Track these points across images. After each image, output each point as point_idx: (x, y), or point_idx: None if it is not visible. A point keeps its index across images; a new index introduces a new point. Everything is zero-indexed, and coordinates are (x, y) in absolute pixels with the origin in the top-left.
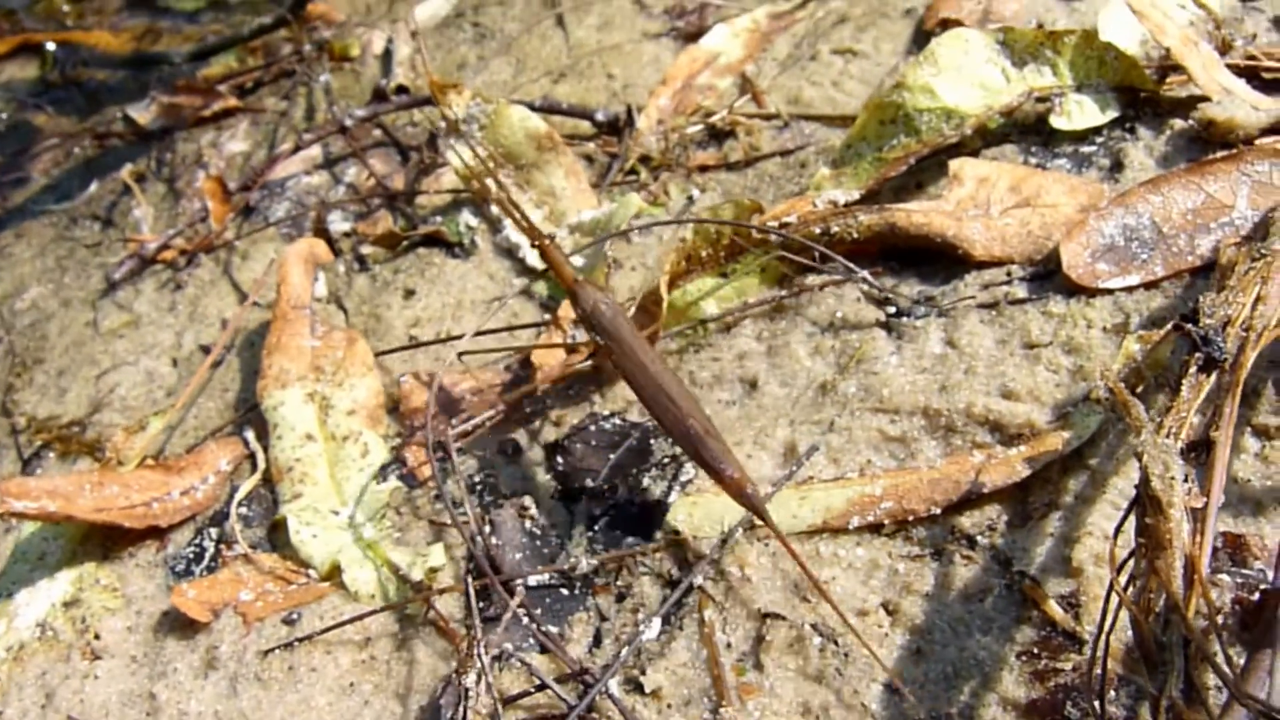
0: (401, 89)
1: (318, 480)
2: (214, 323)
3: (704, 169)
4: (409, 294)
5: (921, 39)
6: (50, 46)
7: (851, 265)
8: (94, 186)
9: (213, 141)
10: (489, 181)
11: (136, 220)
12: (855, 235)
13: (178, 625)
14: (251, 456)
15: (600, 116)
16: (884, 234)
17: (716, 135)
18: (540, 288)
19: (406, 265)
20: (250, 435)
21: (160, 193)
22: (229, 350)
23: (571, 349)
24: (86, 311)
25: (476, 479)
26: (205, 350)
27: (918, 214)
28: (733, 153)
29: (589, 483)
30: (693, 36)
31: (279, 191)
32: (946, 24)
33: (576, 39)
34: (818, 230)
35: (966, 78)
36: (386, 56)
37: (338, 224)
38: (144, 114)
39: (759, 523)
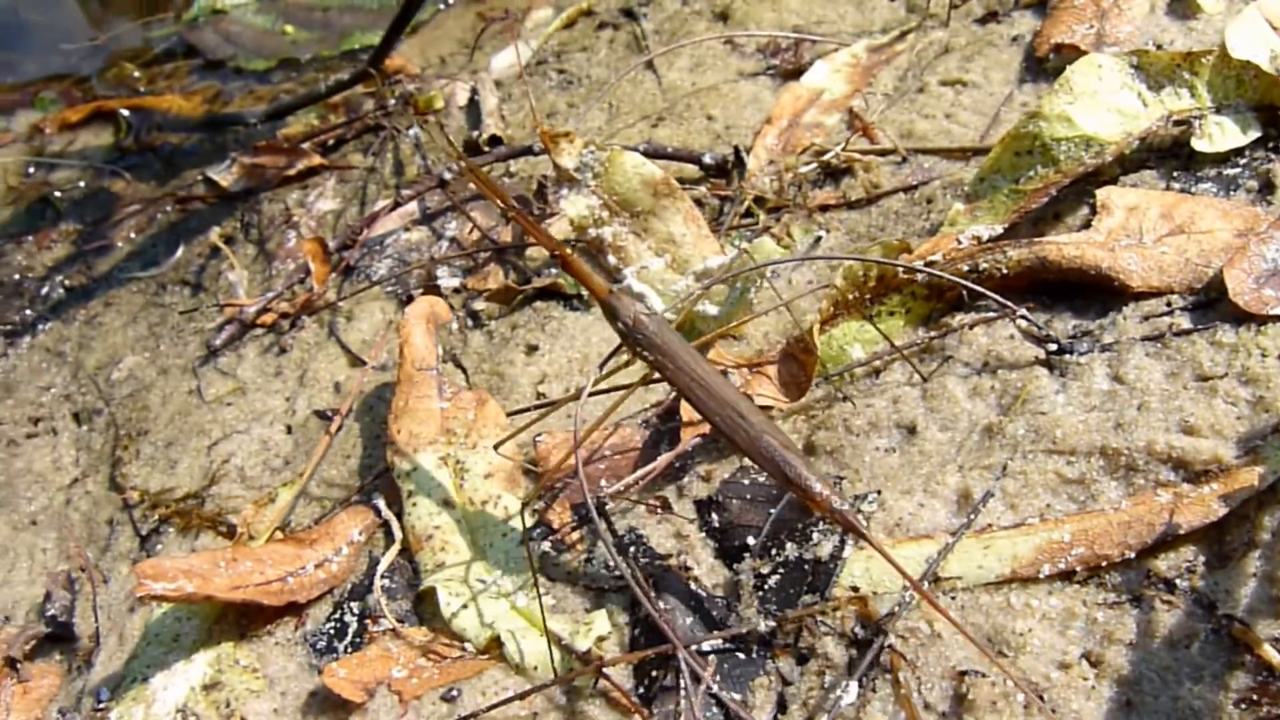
0: (495, 140)
1: (460, 548)
2: (325, 386)
3: (825, 208)
4: (531, 349)
5: (1034, 66)
6: (124, 113)
7: (1007, 302)
8: (181, 251)
9: (300, 201)
10: (508, 198)
11: (230, 284)
12: (1005, 271)
13: (328, 706)
14: (385, 525)
15: (707, 159)
16: (1034, 269)
17: (832, 173)
18: None
19: (524, 320)
20: (381, 503)
21: (250, 255)
22: (346, 415)
23: None
24: (188, 379)
25: (627, 540)
26: (320, 415)
27: (1069, 246)
28: (852, 191)
29: (750, 540)
30: (791, 74)
31: (379, 249)
32: (1061, 49)
33: (669, 82)
34: (965, 267)
35: (1103, 104)
36: (472, 107)
37: (446, 280)
38: (225, 176)
39: (945, 574)
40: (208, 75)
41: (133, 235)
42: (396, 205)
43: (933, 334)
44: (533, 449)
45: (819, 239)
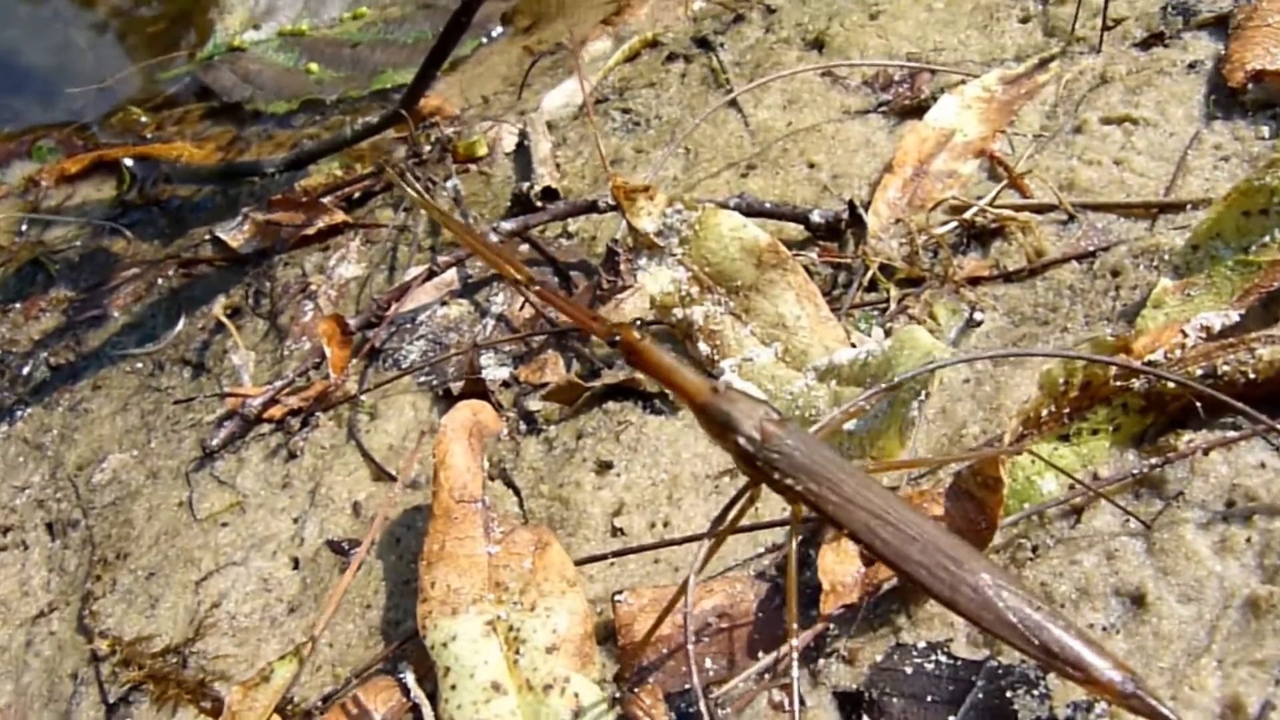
0: (550, 192)
1: None
2: (341, 506)
3: (974, 281)
4: (603, 467)
5: (1225, 99)
6: (128, 163)
7: (1263, 417)
8: (182, 324)
9: (320, 265)
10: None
11: (234, 367)
12: (1252, 375)
13: None
14: (413, 710)
15: (816, 217)
16: None
17: (978, 235)
18: None
19: (594, 426)
20: (410, 678)
21: (260, 331)
22: (369, 550)
23: (873, 560)
24: (180, 487)
25: None
26: (335, 548)
27: None
28: (1007, 258)
29: None
30: (909, 111)
31: (410, 328)
32: (1261, 77)
33: (759, 122)
34: (1199, 371)
35: None
36: (522, 153)
37: (493, 371)
38: (236, 235)
39: None
40: (222, 120)
41: (130, 304)
42: (432, 274)
43: (1153, 461)
44: (610, 611)
45: (974, 321)
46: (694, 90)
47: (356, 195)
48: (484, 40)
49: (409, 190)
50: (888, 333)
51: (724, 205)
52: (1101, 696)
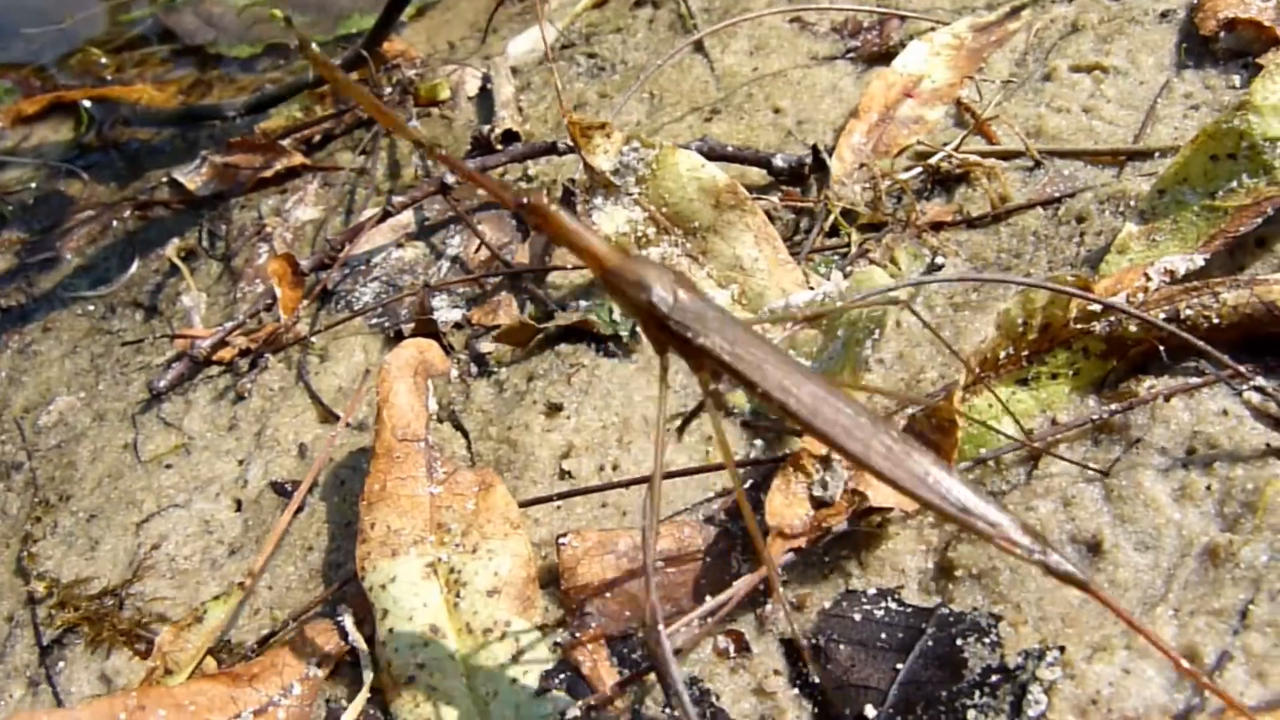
0: (510, 135)
1: (452, 695)
2: (288, 449)
3: (937, 226)
4: (553, 409)
5: (1197, 47)
6: (86, 104)
7: (1235, 365)
8: (135, 267)
9: (276, 208)
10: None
11: (185, 310)
12: (1216, 320)
13: None
14: (351, 654)
15: (779, 161)
16: (1257, 318)
17: (942, 181)
18: (740, 399)
19: (545, 368)
20: (348, 621)
21: (214, 274)
22: (312, 490)
23: (823, 504)
24: (125, 429)
25: (689, 693)
26: (278, 489)
27: None
28: (971, 204)
29: (870, 711)
30: (877, 58)
31: (364, 270)
32: (1234, 26)
33: (725, 67)
34: (1163, 316)
35: None
36: (484, 98)
37: (445, 312)
38: (193, 178)
39: None
40: (184, 63)
41: (84, 247)
42: (387, 215)
43: (1113, 407)
44: (555, 554)
45: (934, 266)
46: (661, 36)
47: (316, 138)
48: None
49: (315, 59)
50: (846, 276)
51: (687, 148)
52: (1012, 554)
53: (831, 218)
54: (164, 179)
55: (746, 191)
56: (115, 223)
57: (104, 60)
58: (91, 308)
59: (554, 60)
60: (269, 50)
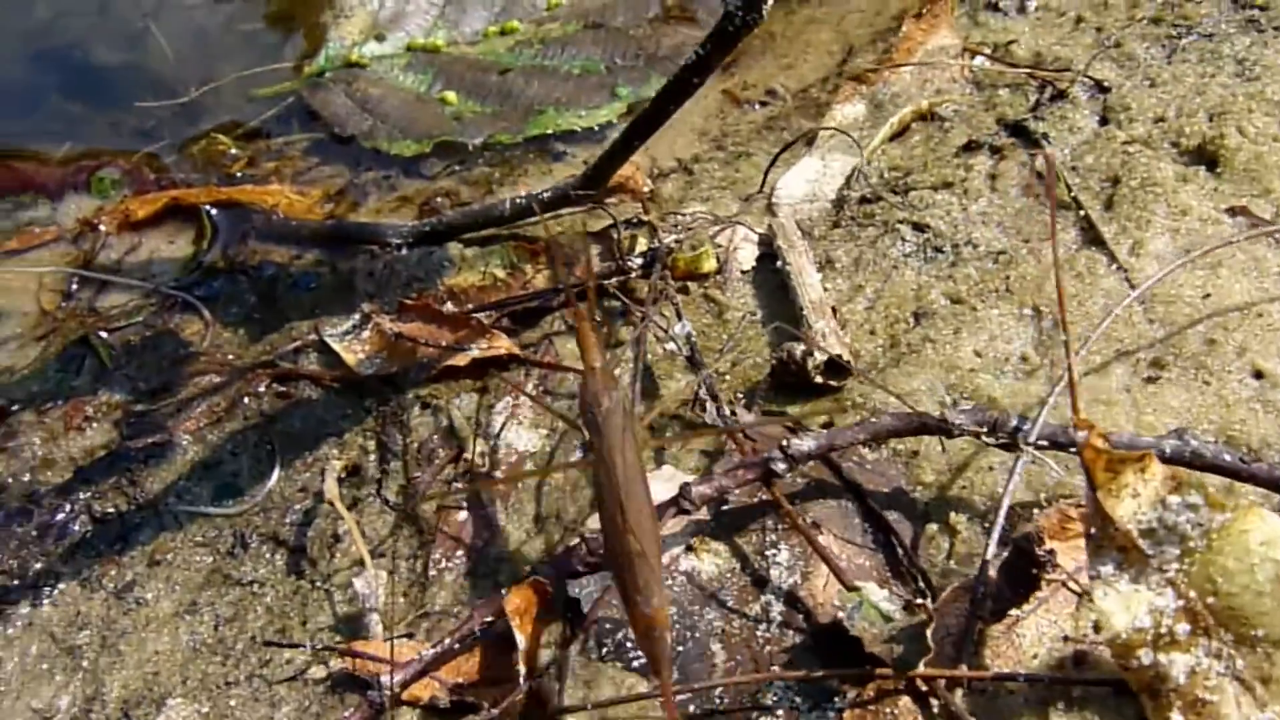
0: (835, 366)
1: None
2: None
3: None
4: None
5: None
6: (209, 210)
7: None
8: (276, 476)
9: (475, 418)
10: None
11: (357, 593)
12: None
13: None
14: None
15: None
16: None
17: None
18: None
19: None
20: None
21: (388, 521)
22: None
23: None
24: None
25: None
26: None
27: None
28: None
29: None
30: None
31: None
32: None
33: (1147, 279)
34: None
35: None
36: (765, 273)
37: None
38: (352, 346)
39: None
40: (332, 157)
41: (205, 429)
42: (680, 508)
43: None
44: None
45: None
46: (1016, 204)
47: (526, 307)
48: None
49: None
50: None
51: (1160, 453)
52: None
53: None
54: (311, 335)
55: None
56: (247, 398)
57: (233, 151)
58: (214, 533)
59: (840, 225)
60: (441, 150)
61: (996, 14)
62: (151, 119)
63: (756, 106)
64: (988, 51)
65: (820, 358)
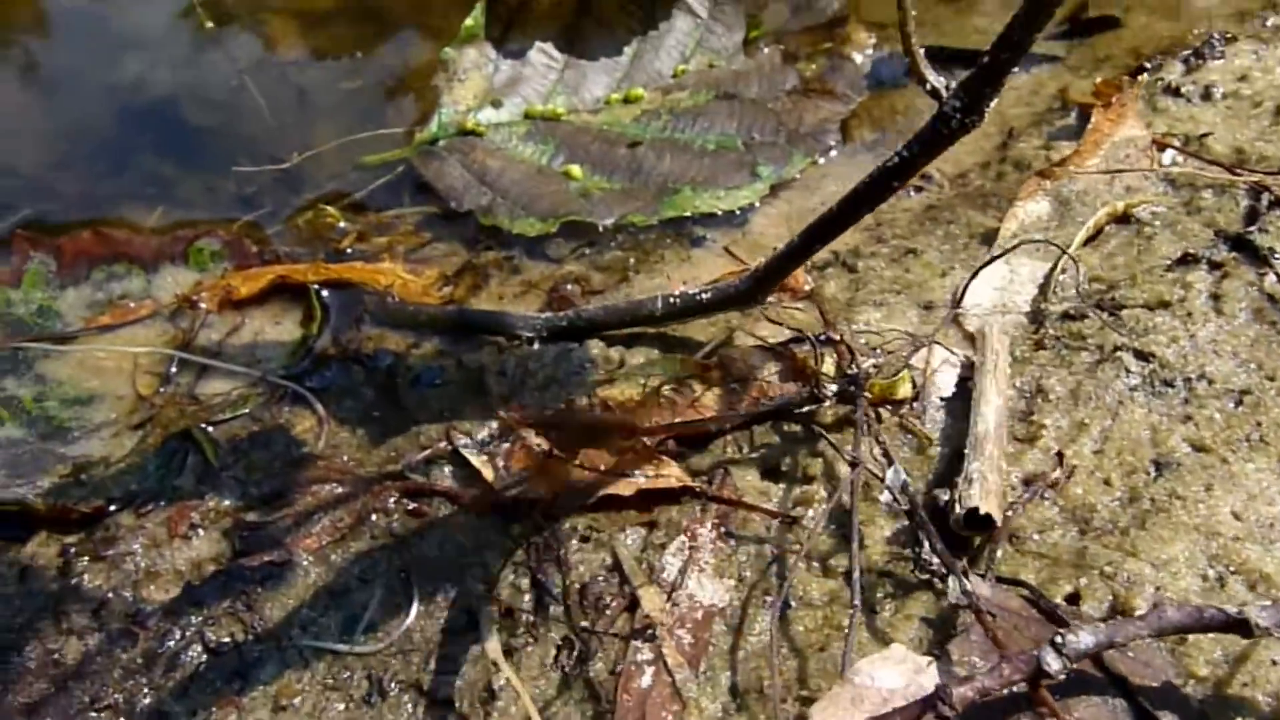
0: (978, 519)
1: None
2: None
3: None
4: None
5: None
6: (319, 290)
7: None
8: (415, 611)
9: (644, 557)
10: None
11: None
12: None
13: None
14: None
15: None
16: None
17: None
18: None
19: None
20: None
21: (553, 675)
22: None
23: None
24: None
25: None
26: None
27: None
28: None
29: None
30: None
31: None
32: None
33: None
34: None
35: None
36: (963, 397)
37: None
38: (490, 458)
39: None
40: (447, 234)
41: (327, 549)
42: (939, 715)
43: None
44: None
45: None
46: (1249, 330)
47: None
48: (818, 159)
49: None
50: None
51: None
52: None
53: None
54: (441, 442)
55: None
56: (374, 515)
57: (342, 224)
58: (346, 674)
59: (1033, 350)
60: (567, 230)
61: (1178, 99)
62: (250, 184)
63: (911, 193)
64: (1177, 144)
65: (960, 505)
